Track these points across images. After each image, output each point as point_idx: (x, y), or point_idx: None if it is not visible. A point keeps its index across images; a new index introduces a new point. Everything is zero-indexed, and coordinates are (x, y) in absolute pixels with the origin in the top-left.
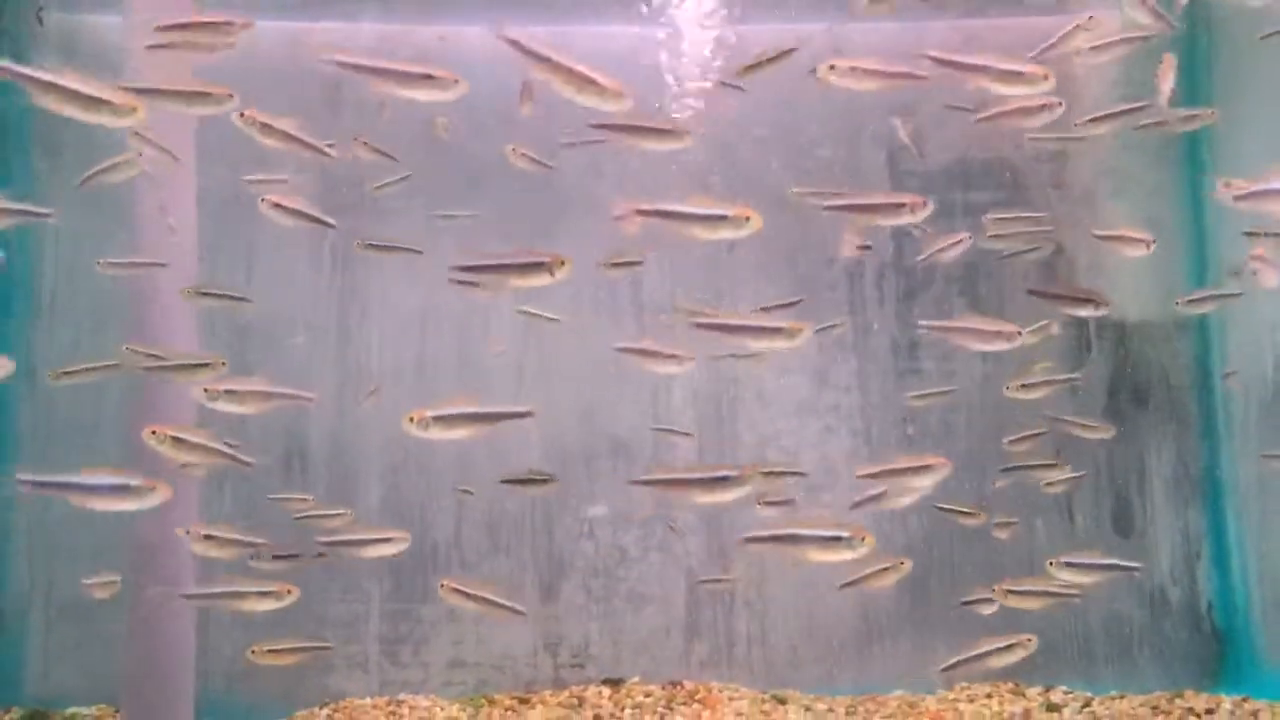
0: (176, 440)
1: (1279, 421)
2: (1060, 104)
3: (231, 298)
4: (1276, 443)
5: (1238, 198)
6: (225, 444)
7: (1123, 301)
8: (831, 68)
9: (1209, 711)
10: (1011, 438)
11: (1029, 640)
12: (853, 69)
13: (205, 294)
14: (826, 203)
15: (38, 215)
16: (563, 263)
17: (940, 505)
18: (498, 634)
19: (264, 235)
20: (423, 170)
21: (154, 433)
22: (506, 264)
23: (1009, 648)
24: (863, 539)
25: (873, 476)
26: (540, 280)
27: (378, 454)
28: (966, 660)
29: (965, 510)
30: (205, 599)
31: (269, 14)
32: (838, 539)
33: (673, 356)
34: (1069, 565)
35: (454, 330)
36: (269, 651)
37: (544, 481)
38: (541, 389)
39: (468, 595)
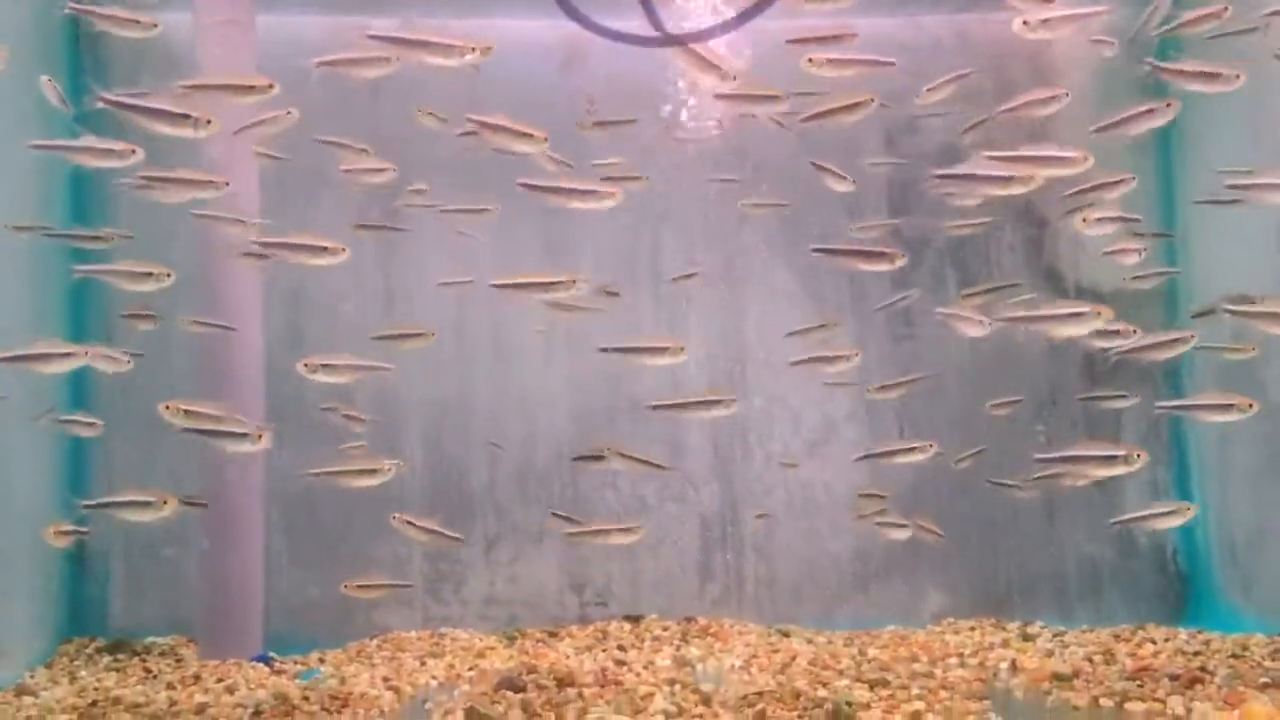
0: (188, 413)
1: (1233, 386)
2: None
3: (257, 255)
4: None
5: (1090, 223)
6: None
7: (1099, 274)
8: (810, 60)
9: (1166, 640)
10: (994, 402)
11: (1189, 508)
12: (829, 60)
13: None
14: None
15: (89, 238)
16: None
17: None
18: (529, 575)
19: (317, 213)
20: (451, 155)
21: (167, 407)
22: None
23: (1170, 514)
24: None
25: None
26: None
27: (420, 411)
28: (1130, 521)
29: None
30: (584, 534)
31: (317, 10)
32: None
33: (841, 356)
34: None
35: (489, 298)
36: (359, 586)
37: (603, 458)
38: (568, 353)
39: (414, 526)
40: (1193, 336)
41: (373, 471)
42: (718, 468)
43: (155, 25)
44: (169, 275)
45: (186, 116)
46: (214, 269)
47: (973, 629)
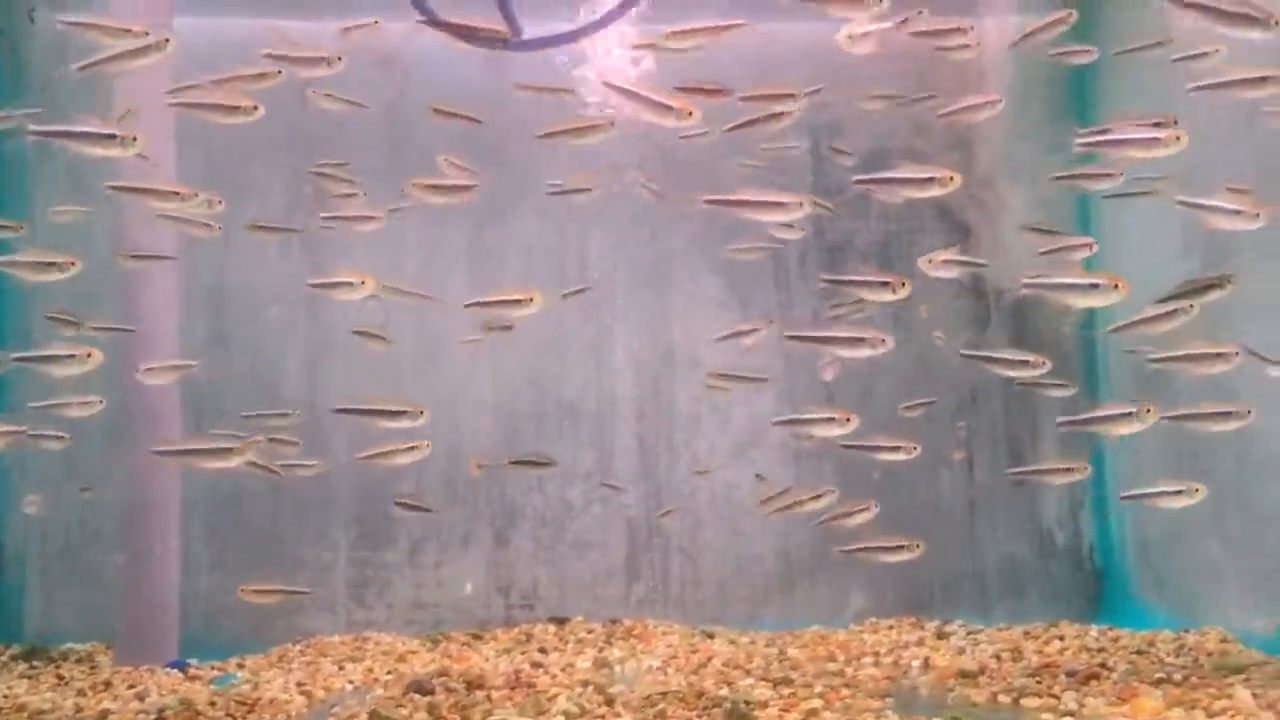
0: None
1: (1151, 389)
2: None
3: (158, 258)
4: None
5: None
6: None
7: (1020, 277)
8: (670, 34)
9: (1076, 637)
10: (906, 404)
11: (1197, 489)
12: (681, 32)
13: (136, 257)
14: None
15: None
16: (904, 283)
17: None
18: (455, 579)
19: (238, 219)
20: (383, 154)
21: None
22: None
23: (1178, 493)
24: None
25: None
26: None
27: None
28: (1140, 496)
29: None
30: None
31: (241, 13)
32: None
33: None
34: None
35: (414, 302)
36: (255, 591)
37: (547, 464)
38: (495, 356)
39: (259, 466)
40: (1192, 307)
41: (412, 449)
42: (644, 469)
43: (146, 34)
44: (73, 264)
45: (113, 136)
46: (131, 271)
47: (891, 628)
